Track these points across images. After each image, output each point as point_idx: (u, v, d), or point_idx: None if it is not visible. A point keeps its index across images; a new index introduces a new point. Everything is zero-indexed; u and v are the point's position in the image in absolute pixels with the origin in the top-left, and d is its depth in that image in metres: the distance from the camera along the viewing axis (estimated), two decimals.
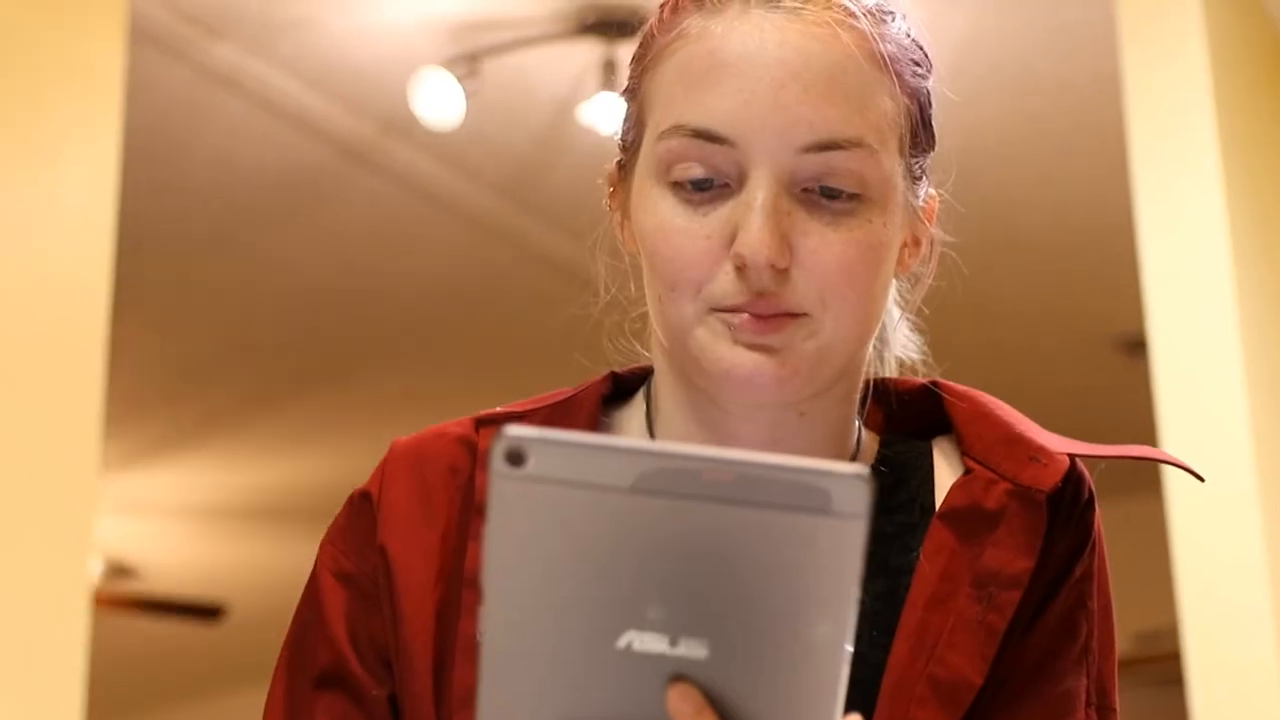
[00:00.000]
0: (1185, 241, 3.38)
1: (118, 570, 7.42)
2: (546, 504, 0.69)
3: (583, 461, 0.69)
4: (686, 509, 0.69)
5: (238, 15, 4.09)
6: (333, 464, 6.66)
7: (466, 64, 4.20)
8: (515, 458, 0.69)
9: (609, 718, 0.71)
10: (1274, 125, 3.91)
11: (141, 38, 3.94)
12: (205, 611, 7.14)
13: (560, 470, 0.69)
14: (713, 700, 0.70)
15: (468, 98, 4.22)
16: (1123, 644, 1.11)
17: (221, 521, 7.37)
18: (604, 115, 4.15)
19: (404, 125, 4.49)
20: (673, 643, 0.70)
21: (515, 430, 0.69)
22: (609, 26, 4.00)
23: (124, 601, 6.97)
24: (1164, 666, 4.91)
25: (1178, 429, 3.28)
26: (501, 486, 0.69)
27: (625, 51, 1.14)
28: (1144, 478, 3.47)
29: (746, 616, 0.70)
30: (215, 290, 5.44)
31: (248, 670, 5.73)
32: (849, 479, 0.68)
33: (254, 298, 5.51)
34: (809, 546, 0.69)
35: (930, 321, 1.20)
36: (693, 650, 0.70)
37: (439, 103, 4.22)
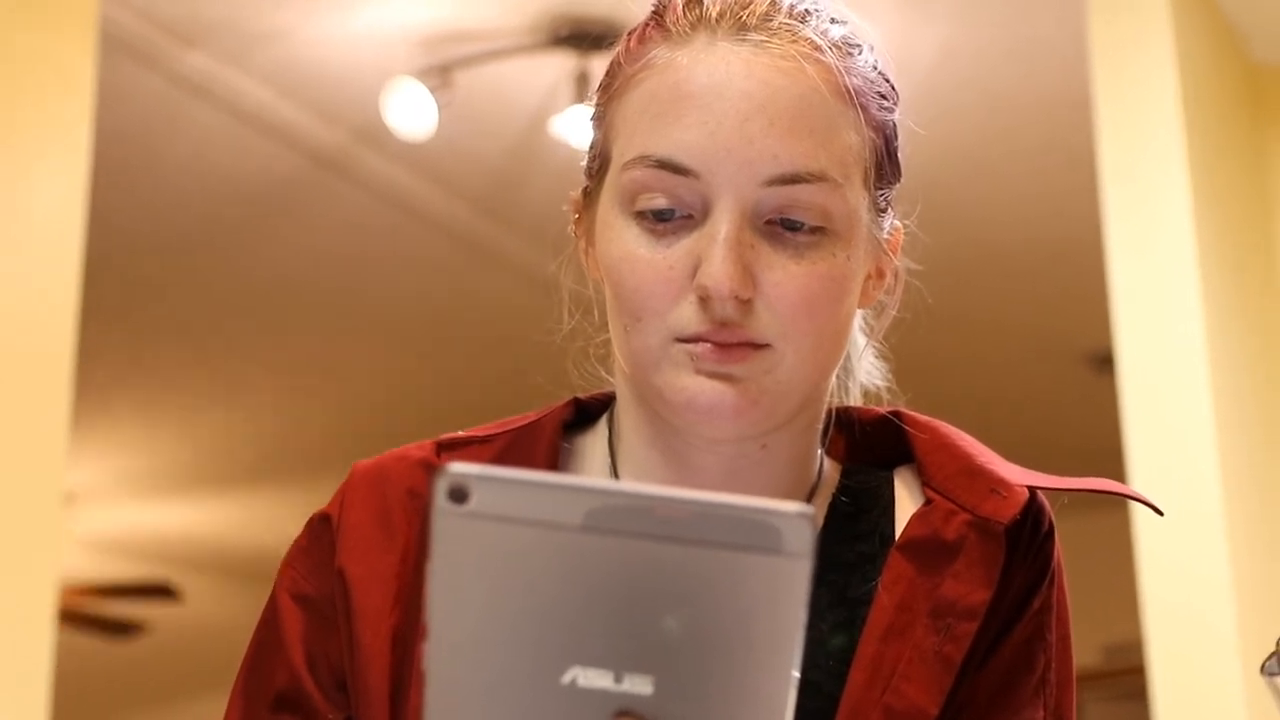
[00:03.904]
0: (1154, 258, 3.40)
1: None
2: (490, 541, 0.69)
3: (528, 499, 0.69)
4: (635, 547, 0.69)
5: (210, 24, 4.08)
6: (304, 472, 6.65)
7: (439, 75, 4.20)
8: (458, 495, 0.69)
9: None
10: (1242, 143, 3.94)
11: (113, 46, 3.94)
12: (159, 591, 7.13)
13: (504, 507, 0.69)
14: None
15: (440, 108, 4.23)
16: (1090, 657, 1.12)
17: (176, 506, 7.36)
18: (576, 127, 4.16)
19: (376, 135, 4.49)
20: (617, 679, 0.70)
21: (457, 467, 0.69)
22: (582, 39, 4.00)
23: (80, 590, 6.97)
24: (1131, 680, 4.92)
25: (1144, 444, 3.29)
26: (444, 524, 0.69)
27: (598, 64, 1.14)
28: None
29: (692, 654, 0.70)
30: (185, 297, 5.43)
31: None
32: (795, 518, 0.69)
33: (224, 304, 5.50)
34: (757, 585, 0.69)
35: (900, 334, 1.20)
36: (637, 686, 0.70)
37: (411, 113, 4.22)
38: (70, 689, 4.49)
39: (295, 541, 1.10)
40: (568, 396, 1.15)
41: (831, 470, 1.14)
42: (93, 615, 7.13)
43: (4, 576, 2.99)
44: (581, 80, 4.14)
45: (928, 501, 1.07)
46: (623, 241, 1.04)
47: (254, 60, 4.21)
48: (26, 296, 3.11)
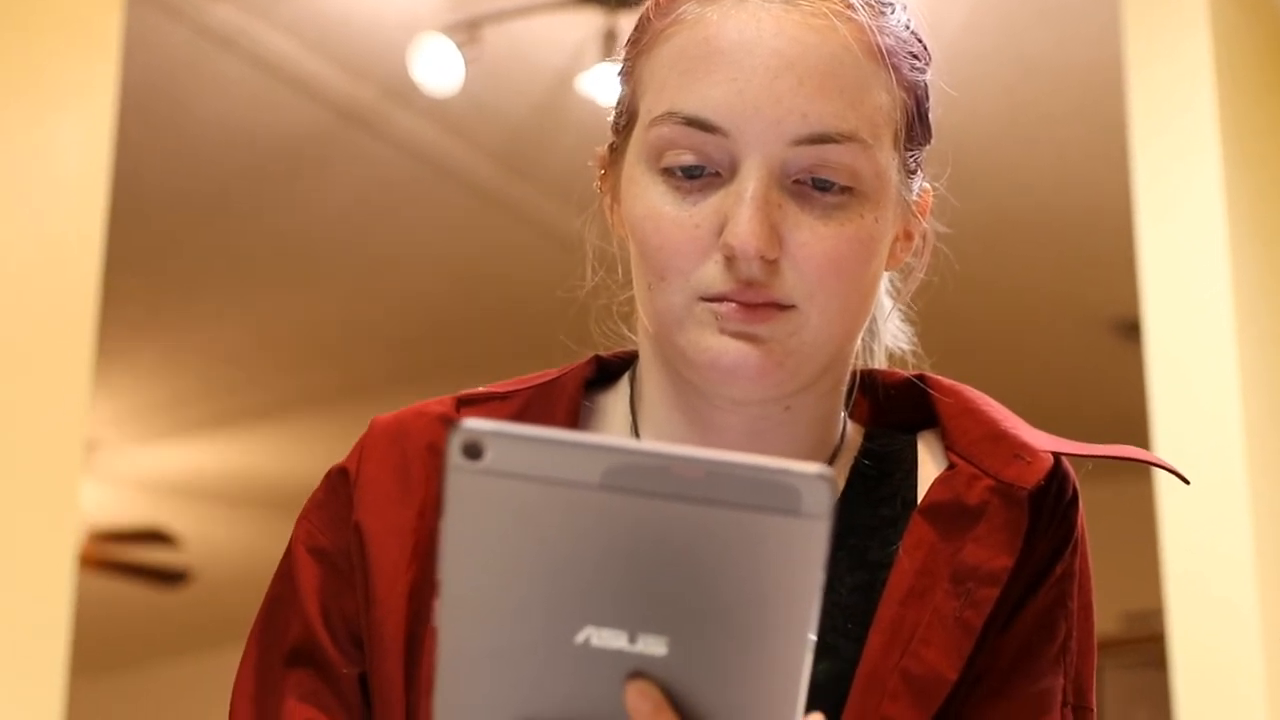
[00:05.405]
0: (1182, 227, 3.39)
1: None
2: (505, 498, 0.69)
3: (544, 456, 0.68)
4: (652, 506, 0.69)
5: None
6: (321, 422, 6.65)
7: (467, 30, 4.19)
8: (472, 451, 0.68)
9: (567, 714, 0.71)
10: (1275, 112, 3.91)
11: None
12: (168, 576, 7.15)
13: (519, 465, 0.68)
14: (672, 697, 0.70)
15: (467, 64, 4.21)
16: (1110, 624, 1.11)
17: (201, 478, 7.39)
18: (603, 86, 4.14)
19: (403, 90, 4.48)
20: (631, 639, 0.70)
21: (472, 423, 0.68)
22: None
23: (92, 562, 7.00)
24: (1151, 648, 4.91)
25: (1169, 413, 3.28)
26: (458, 480, 0.68)
27: (626, 22, 1.13)
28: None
29: (707, 614, 0.70)
30: (210, 250, 5.43)
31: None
32: (815, 479, 0.68)
33: (249, 258, 5.50)
34: (774, 546, 0.69)
35: (927, 300, 1.19)
36: (651, 647, 0.70)
37: (438, 69, 4.20)
38: (93, 635, 4.51)
39: (312, 495, 1.09)
40: (590, 354, 1.14)
41: (854, 433, 1.13)
42: (130, 562, 7.14)
43: (26, 524, 3.00)
44: (609, 38, 4.12)
45: (951, 466, 1.06)
46: (648, 198, 1.03)
47: (281, 13, 4.20)
48: (51, 248, 3.11)
